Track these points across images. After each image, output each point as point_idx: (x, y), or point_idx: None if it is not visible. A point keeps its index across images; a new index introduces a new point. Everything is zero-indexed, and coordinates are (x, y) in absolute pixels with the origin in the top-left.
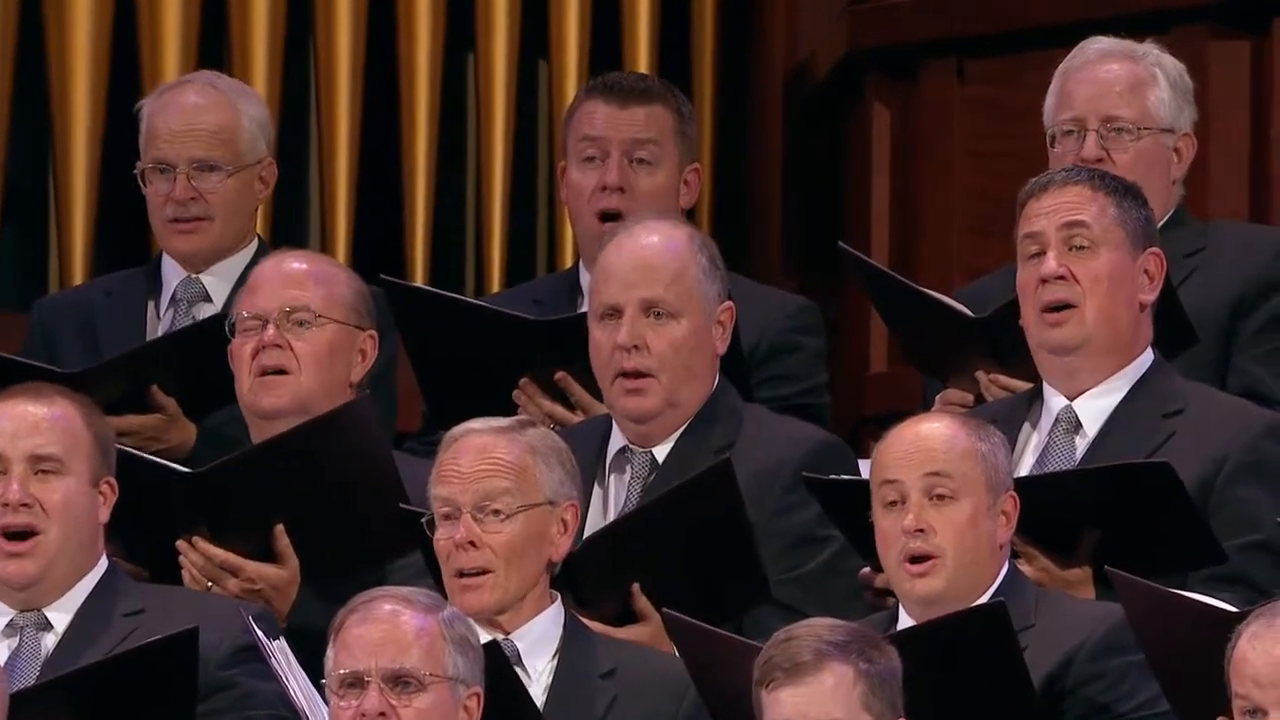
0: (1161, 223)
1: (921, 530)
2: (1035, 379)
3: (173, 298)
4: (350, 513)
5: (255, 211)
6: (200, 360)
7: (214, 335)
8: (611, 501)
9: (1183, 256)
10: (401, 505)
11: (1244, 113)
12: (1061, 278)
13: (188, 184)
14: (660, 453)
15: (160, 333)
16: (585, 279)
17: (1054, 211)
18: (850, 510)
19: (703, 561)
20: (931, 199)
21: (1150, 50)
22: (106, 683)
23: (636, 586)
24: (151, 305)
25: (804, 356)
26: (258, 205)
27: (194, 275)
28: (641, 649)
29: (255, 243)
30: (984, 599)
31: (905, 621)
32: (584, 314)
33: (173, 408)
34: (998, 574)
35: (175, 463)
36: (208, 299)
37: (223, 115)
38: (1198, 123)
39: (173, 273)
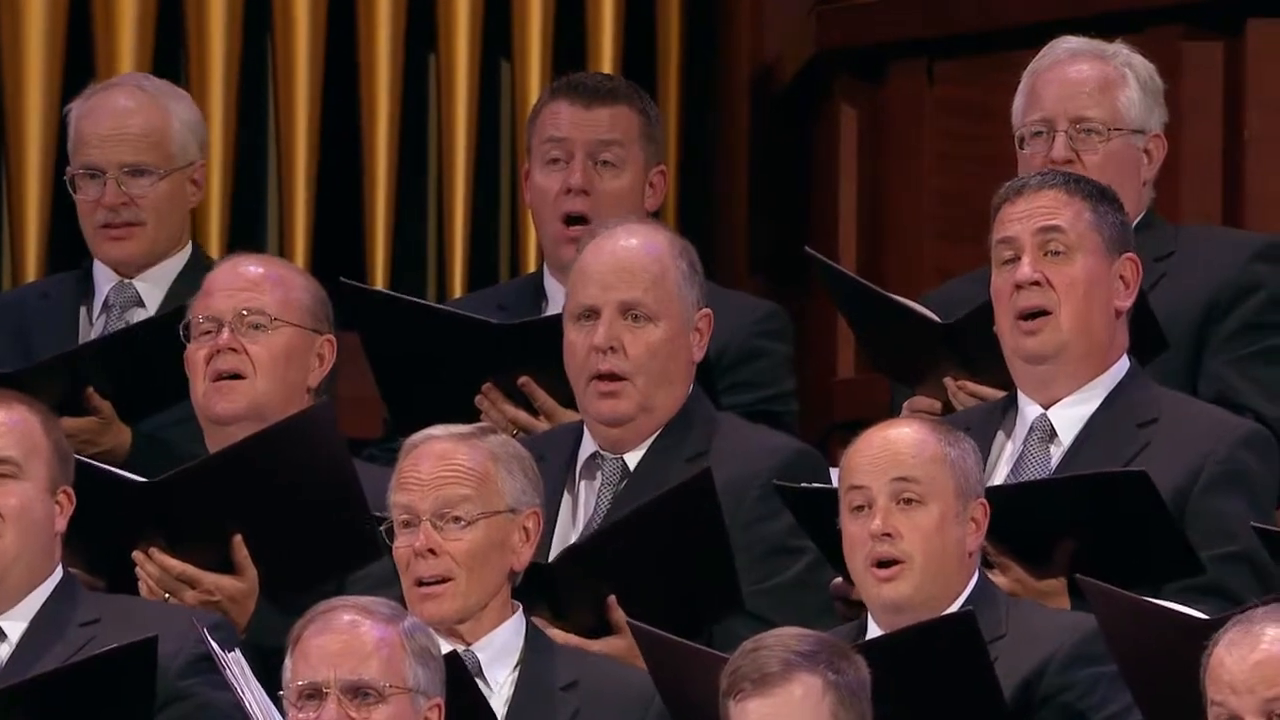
0: (1131, 226)
1: (888, 535)
2: (1004, 385)
3: (105, 303)
4: (310, 522)
5: (188, 215)
6: (135, 363)
7: (149, 338)
8: (581, 508)
9: (1153, 260)
10: (374, 513)
11: (1217, 114)
12: (1036, 283)
13: (118, 189)
14: (632, 459)
15: (93, 338)
16: (550, 283)
17: (1029, 216)
18: (822, 519)
19: (680, 571)
20: (900, 201)
21: (1120, 50)
22: (63, 691)
23: (613, 598)
24: (84, 310)
25: (771, 362)
26: (190, 208)
27: (126, 280)
28: (604, 660)
29: (189, 247)
30: (954, 608)
31: (874, 631)
32: (549, 318)
33: (108, 411)
34: (967, 582)
35: (111, 466)
36: (140, 304)
37: (151, 117)
38: (1169, 124)
39: (105, 278)
